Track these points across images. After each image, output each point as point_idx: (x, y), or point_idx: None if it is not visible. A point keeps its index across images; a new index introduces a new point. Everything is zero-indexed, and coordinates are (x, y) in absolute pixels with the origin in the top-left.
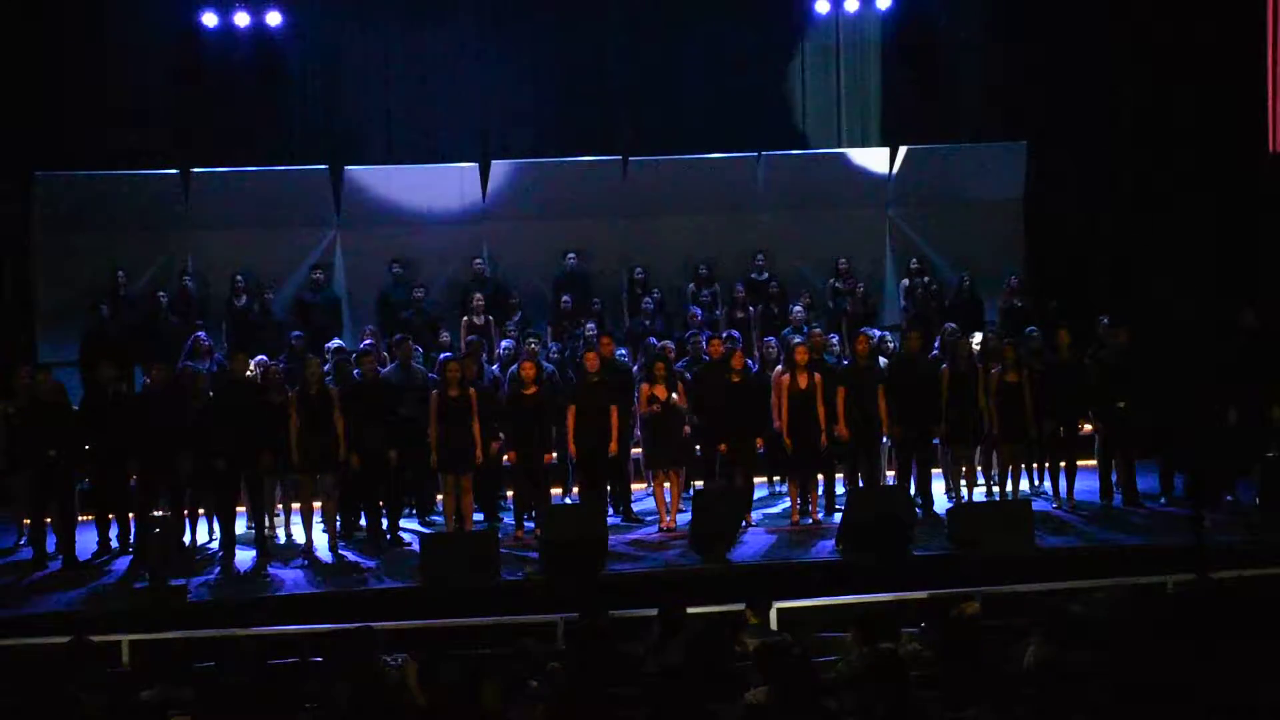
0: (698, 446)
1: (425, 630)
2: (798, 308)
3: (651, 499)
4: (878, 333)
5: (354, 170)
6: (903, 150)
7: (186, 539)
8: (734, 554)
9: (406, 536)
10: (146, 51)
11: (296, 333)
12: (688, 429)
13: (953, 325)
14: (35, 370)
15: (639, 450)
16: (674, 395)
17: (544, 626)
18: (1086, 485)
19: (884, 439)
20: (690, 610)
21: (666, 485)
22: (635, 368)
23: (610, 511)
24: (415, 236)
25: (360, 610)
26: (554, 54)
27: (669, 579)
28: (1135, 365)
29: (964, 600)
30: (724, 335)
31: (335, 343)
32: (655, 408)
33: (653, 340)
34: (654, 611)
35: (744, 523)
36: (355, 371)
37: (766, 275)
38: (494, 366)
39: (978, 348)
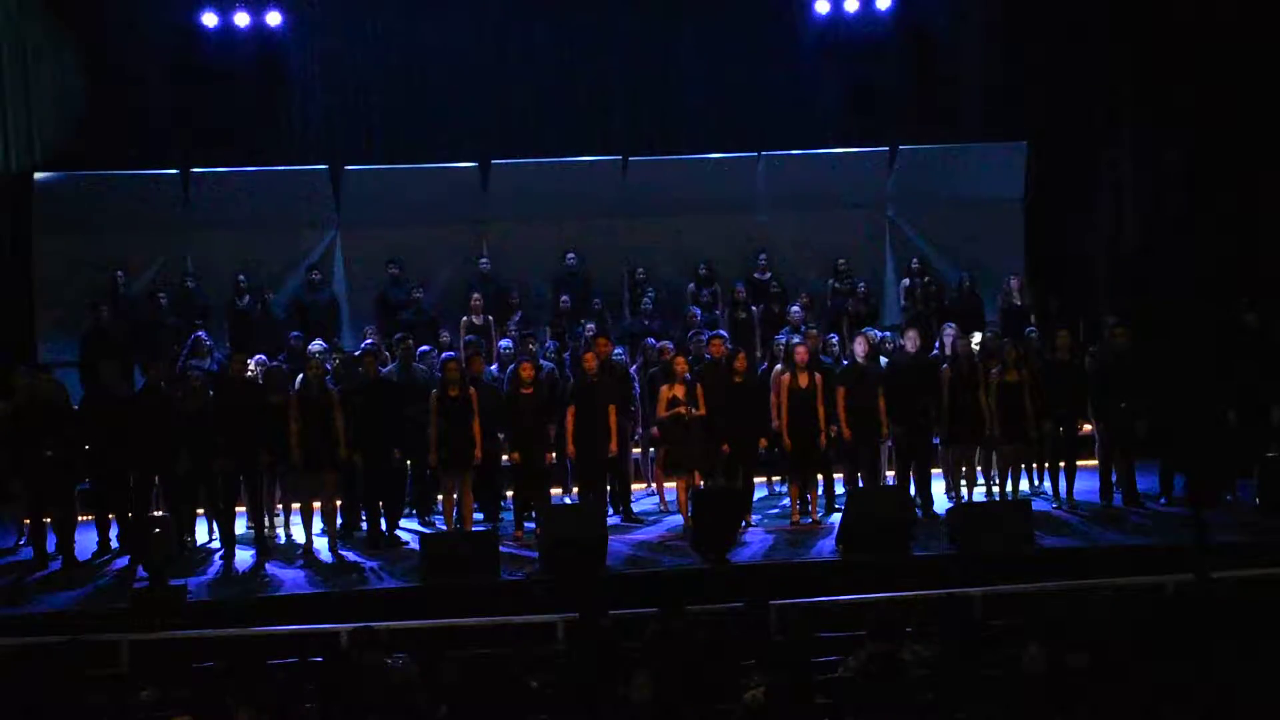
0: None
1: (425, 630)
2: (795, 308)
3: (651, 499)
4: (878, 333)
5: (354, 170)
6: (903, 150)
7: (187, 539)
8: (734, 554)
9: (406, 536)
10: (146, 51)
11: (296, 333)
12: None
13: (952, 325)
14: (34, 370)
15: (639, 450)
16: (691, 409)
17: (544, 626)
18: (1086, 485)
19: (884, 439)
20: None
21: (676, 484)
22: (633, 368)
23: (610, 511)
24: (415, 236)
25: (360, 610)
26: (554, 54)
27: (669, 579)
28: (1136, 365)
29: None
30: (717, 334)
31: (317, 344)
32: (682, 409)
33: (651, 341)
34: (654, 611)
35: (744, 523)
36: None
37: (769, 275)
38: (493, 366)
39: (978, 348)
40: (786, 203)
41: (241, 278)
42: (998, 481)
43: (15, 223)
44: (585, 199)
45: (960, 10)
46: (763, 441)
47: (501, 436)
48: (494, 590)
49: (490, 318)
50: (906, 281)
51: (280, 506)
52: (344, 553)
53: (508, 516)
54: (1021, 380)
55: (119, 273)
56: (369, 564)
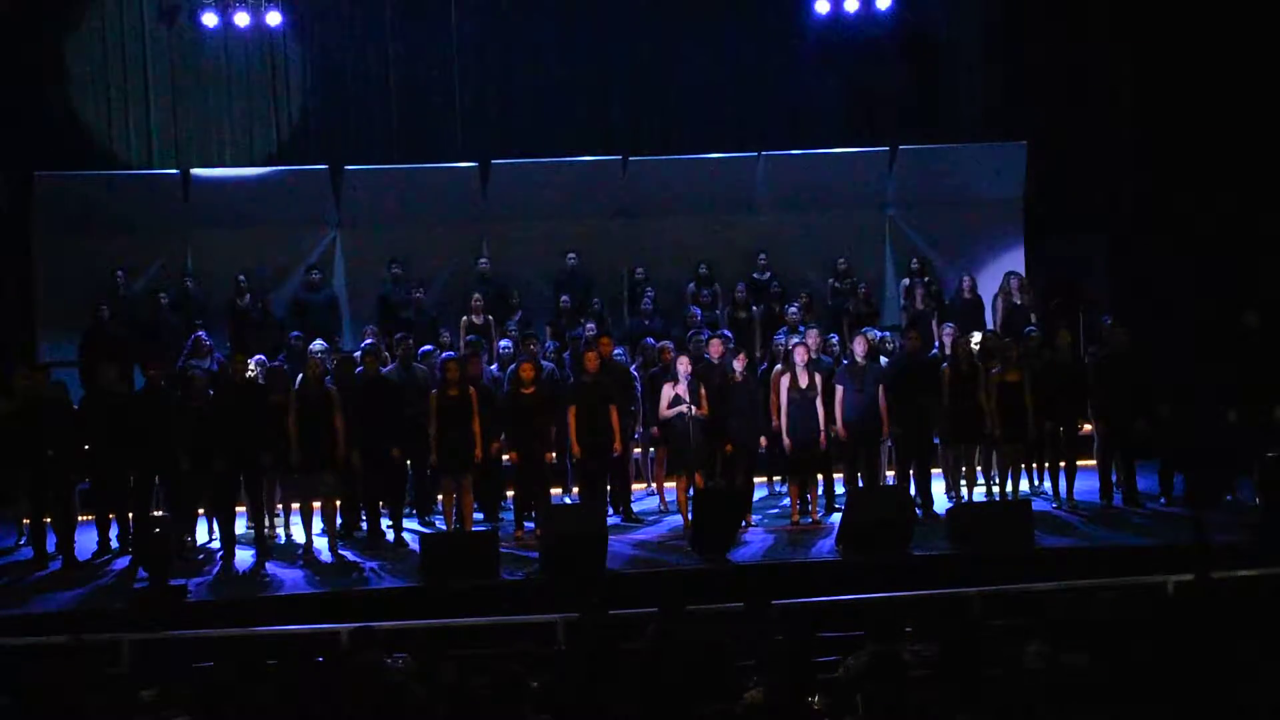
0: None
1: (425, 630)
2: (792, 308)
3: (651, 499)
4: (878, 333)
5: (354, 170)
6: (903, 150)
7: (187, 539)
8: (734, 554)
9: (406, 536)
10: (147, 51)
11: (296, 333)
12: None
13: (951, 325)
14: (33, 370)
15: (639, 450)
16: (694, 408)
17: (544, 626)
18: (1086, 485)
19: (884, 439)
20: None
21: (676, 484)
22: (633, 367)
23: (610, 511)
24: (415, 236)
25: (360, 610)
26: (554, 54)
27: (669, 579)
28: (1134, 365)
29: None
30: (719, 334)
31: (318, 344)
32: (686, 408)
33: (650, 341)
34: (654, 611)
35: (744, 523)
36: (357, 369)
37: (769, 275)
38: (494, 366)
39: (977, 348)
40: (786, 203)
41: (241, 278)
42: (998, 481)
43: (15, 223)
44: (585, 199)
45: (960, 10)
46: (763, 441)
47: (502, 437)
48: (494, 590)
49: (490, 318)
50: (906, 281)
51: (280, 506)
52: (344, 553)
53: (508, 516)
54: (1021, 380)
55: (119, 273)
56: (369, 564)
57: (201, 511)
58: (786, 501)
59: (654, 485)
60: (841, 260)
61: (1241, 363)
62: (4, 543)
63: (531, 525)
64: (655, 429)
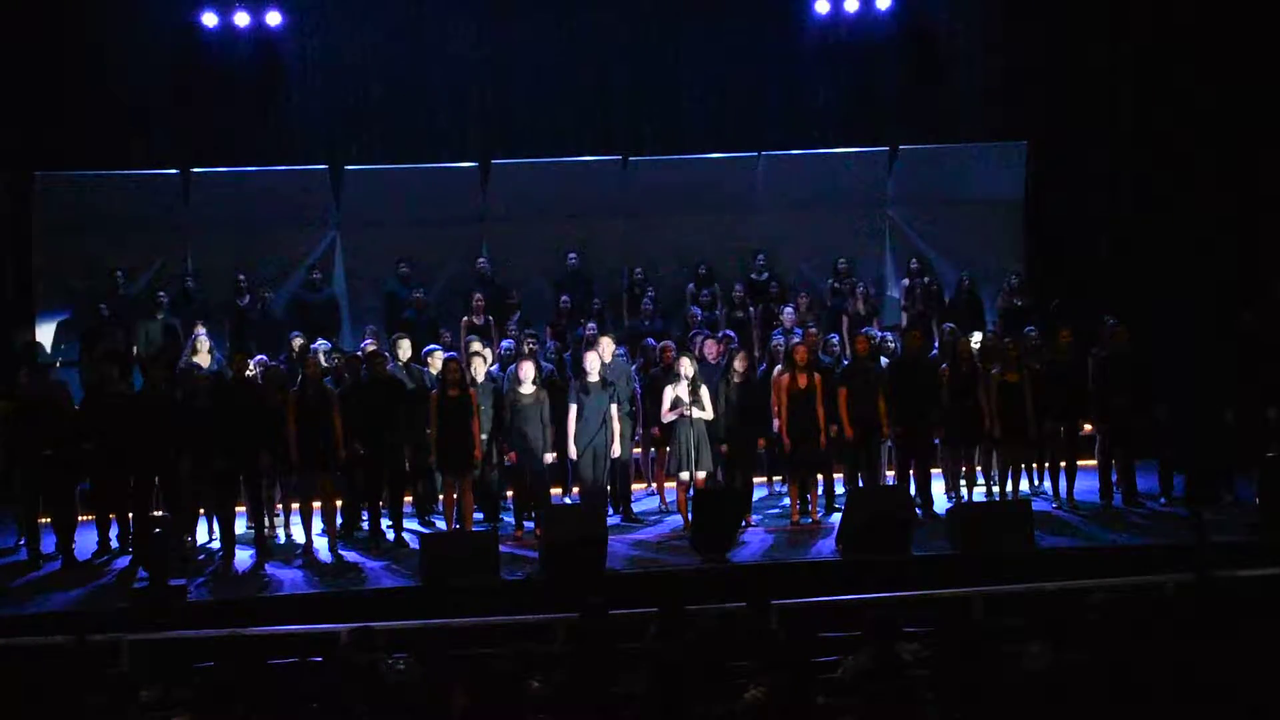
0: None
1: (425, 630)
2: (788, 309)
3: (651, 499)
4: (878, 333)
5: (354, 170)
6: (903, 150)
7: (187, 539)
8: (734, 554)
9: (406, 536)
10: (146, 51)
11: (296, 333)
12: None
13: (950, 325)
14: (32, 369)
15: (639, 450)
16: (693, 409)
17: (544, 626)
18: (1086, 485)
19: (884, 439)
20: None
21: (676, 484)
22: (634, 368)
23: (610, 511)
24: (415, 236)
25: (360, 610)
26: (554, 54)
27: (669, 579)
28: (1135, 365)
29: None
30: (720, 335)
31: (322, 344)
32: (685, 409)
33: (650, 341)
34: (654, 611)
35: (744, 523)
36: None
37: (767, 275)
38: (494, 366)
39: (978, 347)
40: (786, 203)
41: (241, 278)
42: (998, 481)
43: (15, 223)
44: (585, 199)
45: (960, 10)
46: (761, 442)
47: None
48: (494, 590)
49: (490, 318)
50: (906, 281)
51: (280, 506)
52: (344, 553)
53: (508, 516)
54: (1021, 380)
55: (119, 273)
56: (369, 564)
57: (201, 511)
58: (786, 501)
59: (654, 485)
60: (841, 260)
61: (1240, 362)
62: (4, 543)
63: (531, 525)
64: (655, 429)
